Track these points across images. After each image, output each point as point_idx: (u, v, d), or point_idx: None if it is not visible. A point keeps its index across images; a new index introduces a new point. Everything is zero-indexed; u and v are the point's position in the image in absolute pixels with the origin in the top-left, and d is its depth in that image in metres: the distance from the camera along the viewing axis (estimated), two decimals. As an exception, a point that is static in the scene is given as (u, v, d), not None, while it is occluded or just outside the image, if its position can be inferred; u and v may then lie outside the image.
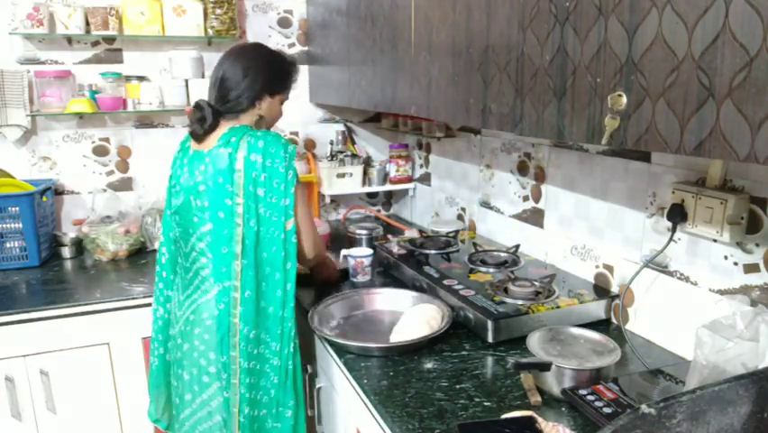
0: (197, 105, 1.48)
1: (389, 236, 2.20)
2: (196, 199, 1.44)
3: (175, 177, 1.52)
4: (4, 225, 2.07)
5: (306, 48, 2.61)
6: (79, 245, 2.25)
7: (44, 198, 2.18)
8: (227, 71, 1.49)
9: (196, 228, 1.45)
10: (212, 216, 1.42)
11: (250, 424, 1.44)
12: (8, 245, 2.09)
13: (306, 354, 1.84)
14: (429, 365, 1.36)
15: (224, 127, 1.46)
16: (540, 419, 1.06)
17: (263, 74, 1.51)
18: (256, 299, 1.43)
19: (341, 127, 2.72)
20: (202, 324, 1.43)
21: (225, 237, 1.41)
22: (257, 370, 1.45)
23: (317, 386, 1.66)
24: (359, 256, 1.88)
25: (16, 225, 2.07)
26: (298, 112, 2.65)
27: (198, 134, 1.47)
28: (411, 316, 1.52)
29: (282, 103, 1.60)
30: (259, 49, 1.58)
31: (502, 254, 1.87)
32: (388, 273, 1.97)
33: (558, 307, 1.48)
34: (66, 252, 2.23)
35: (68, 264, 2.17)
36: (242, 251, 1.41)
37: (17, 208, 2.06)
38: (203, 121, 1.46)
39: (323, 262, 1.79)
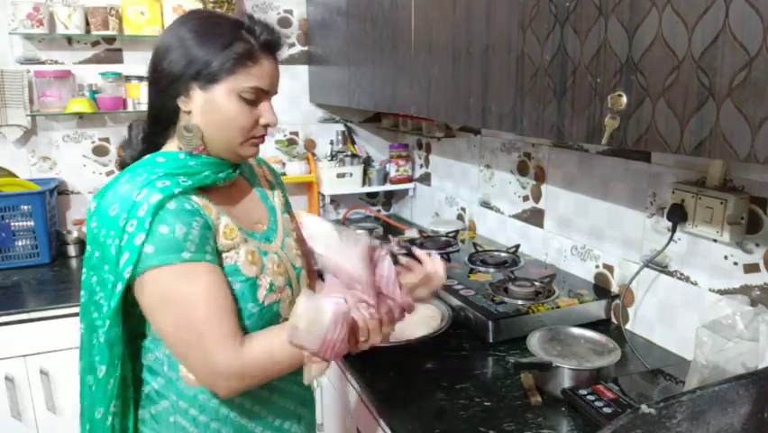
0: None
1: (389, 236, 2.20)
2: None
3: None
4: (16, 224, 2.08)
5: (306, 48, 2.61)
6: (82, 244, 2.25)
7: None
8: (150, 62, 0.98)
9: None
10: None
11: None
12: (20, 243, 2.10)
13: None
14: (429, 365, 1.35)
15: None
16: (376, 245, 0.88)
17: (184, 51, 0.93)
18: None
19: (341, 127, 2.71)
20: None
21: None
22: None
23: (317, 386, 1.66)
24: (359, 256, 1.88)
25: (28, 224, 2.08)
26: (298, 112, 2.65)
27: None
28: (411, 316, 1.51)
29: (238, 95, 0.94)
30: (183, 17, 0.99)
31: (502, 254, 1.87)
32: (388, 273, 1.97)
33: (558, 307, 1.48)
34: (71, 250, 2.25)
35: (73, 262, 2.18)
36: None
37: (29, 206, 2.07)
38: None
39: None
